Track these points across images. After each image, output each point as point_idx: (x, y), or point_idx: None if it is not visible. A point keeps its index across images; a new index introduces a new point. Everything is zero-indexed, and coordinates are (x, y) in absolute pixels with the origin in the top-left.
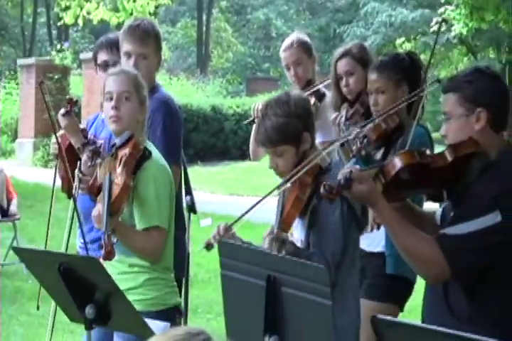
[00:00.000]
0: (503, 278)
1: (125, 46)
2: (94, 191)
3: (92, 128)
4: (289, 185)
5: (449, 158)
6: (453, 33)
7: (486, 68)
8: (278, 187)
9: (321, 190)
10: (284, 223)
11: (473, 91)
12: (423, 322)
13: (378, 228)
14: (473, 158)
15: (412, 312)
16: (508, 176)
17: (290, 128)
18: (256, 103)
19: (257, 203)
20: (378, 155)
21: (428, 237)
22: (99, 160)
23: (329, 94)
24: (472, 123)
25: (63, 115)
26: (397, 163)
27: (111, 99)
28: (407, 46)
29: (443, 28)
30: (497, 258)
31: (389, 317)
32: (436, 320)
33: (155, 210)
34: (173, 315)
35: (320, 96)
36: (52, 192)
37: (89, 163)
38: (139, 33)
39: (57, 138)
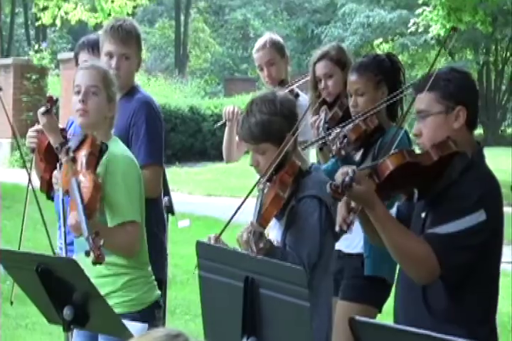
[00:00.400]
0: (483, 277)
1: (107, 46)
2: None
3: (71, 128)
4: (268, 183)
5: (434, 158)
6: (430, 34)
7: (459, 67)
8: (256, 185)
9: (327, 188)
10: (262, 218)
11: (453, 89)
12: (396, 322)
13: (347, 229)
14: (454, 157)
15: (390, 313)
16: (488, 176)
17: (274, 127)
18: (227, 106)
19: (239, 206)
20: (357, 156)
21: (419, 238)
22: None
23: (302, 94)
24: (451, 121)
25: (43, 113)
26: (390, 163)
27: (79, 92)
28: (385, 47)
29: (420, 29)
30: (479, 257)
31: (366, 319)
32: (414, 321)
33: (127, 204)
34: (153, 310)
35: (294, 96)
36: (27, 191)
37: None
38: (121, 33)
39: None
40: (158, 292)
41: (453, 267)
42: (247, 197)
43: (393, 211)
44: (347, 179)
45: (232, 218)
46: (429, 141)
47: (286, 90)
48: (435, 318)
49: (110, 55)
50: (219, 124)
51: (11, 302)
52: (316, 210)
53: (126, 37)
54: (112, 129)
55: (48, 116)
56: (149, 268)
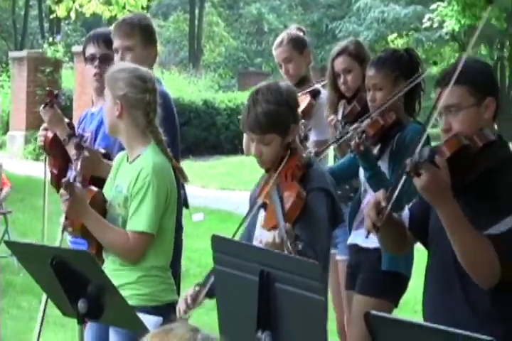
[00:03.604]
0: None
1: (114, 43)
2: (86, 184)
3: (82, 124)
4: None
5: (480, 144)
6: (445, 30)
7: (476, 58)
8: (268, 184)
9: (407, 162)
10: (287, 218)
11: (482, 80)
12: (433, 322)
13: (377, 232)
14: (492, 146)
15: (403, 307)
16: None
17: (281, 117)
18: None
19: (251, 207)
20: (375, 151)
21: (486, 240)
22: (86, 154)
23: (324, 91)
24: (482, 112)
25: (44, 107)
26: (449, 146)
27: None
28: (399, 42)
29: (435, 25)
30: None
31: (382, 314)
32: (458, 322)
33: (142, 215)
34: (168, 311)
35: (315, 93)
36: (44, 185)
37: (75, 157)
38: (123, 27)
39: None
40: (177, 297)
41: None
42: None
43: (405, 213)
44: (425, 153)
45: (239, 227)
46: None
47: (309, 89)
48: (479, 318)
49: (116, 51)
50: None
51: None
52: (323, 203)
53: (127, 29)
54: (146, 130)
55: (49, 109)
56: (169, 273)
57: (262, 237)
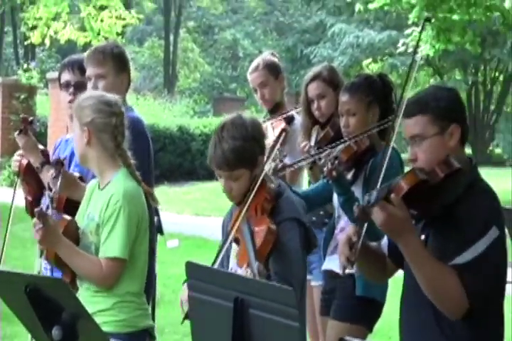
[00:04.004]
0: (495, 298)
1: (87, 71)
2: (61, 206)
3: (57, 150)
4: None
5: (441, 175)
6: (419, 55)
7: (442, 85)
8: (238, 219)
9: (354, 210)
10: (259, 255)
11: (444, 108)
12: None
13: (352, 266)
14: (457, 175)
15: (377, 333)
16: (490, 191)
17: (248, 152)
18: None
19: (224, 242)
20: (348, 176)
21: (450, 272)
22: (62, 171)
23: (298, 117)
24: (447, 140)
25: (18, 134)
26: (405, 183)
27: None
28: (374, 67)
29: (410, 50)
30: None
31: (356, 339)
32: None
33: (114, 240)
34: (144, 337)
35: (289, 119)
36: (10, 210)
37: (54, 176)
38: (96, 55)
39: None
40: (152, 322)
41: (480, 296)
42: (226, 239)
43: (384, 242)
44: (373, 197)
45: (217, 257)
46: (428, 164)
47: (284, 115)
48: None
49: (89, 79)
50: None
51: None
52: (296, 233)
53: (101, 57)
54: (115, 155)
55: (23, 136)
56: (143, 298)
57: (235, 269)
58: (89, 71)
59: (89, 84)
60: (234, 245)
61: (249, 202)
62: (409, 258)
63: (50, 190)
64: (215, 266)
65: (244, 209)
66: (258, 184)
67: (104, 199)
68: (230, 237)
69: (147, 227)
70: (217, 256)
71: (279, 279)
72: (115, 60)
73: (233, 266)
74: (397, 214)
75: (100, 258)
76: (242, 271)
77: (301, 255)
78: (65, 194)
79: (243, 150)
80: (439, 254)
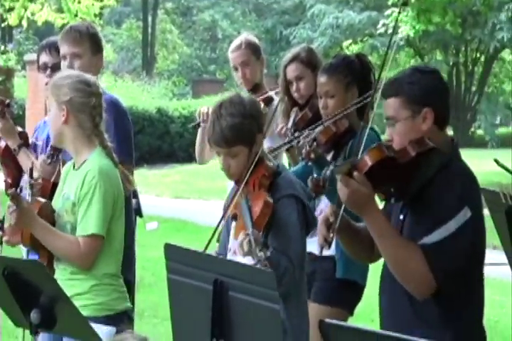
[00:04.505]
0: (471, 279)
1: (61, 50)
2: (48, 192)
3: (36, 133)
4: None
5: (412, 153)
6: (400, 35)
7: (424, 67)
8: (237, 194)
9: (308, 182)
10: (256, 227)
11: (417, 92)
12: (384, 329)
13: (329, 247)
14: (431, 154)
15: (359, 316)
16: (466, 171)
17: (246, 128)
18: (201, 107)
19: (222, 218)
20: (328, 157)
21: (415, 249)
22: (60, 156)
23: (277, 99)
24: (419, 124)
25: None
26: (369, 158)
27: None
28: (354, 48)
29: (389, 31)
30: (470, 257)
31: (336, 321)
32: (405, 329)
33: (91, 217)
34: (122, 320)
35: (268, 101)
36: None
37: (49, 161)
38: (71, 34)
39: None
40: (129, 304)
41: (448, 276)
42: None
43: None
44: (328, 172)
45: (215, 232)
46: (401, 146)
47: (263, 96)
48: (427, 325)
49: (64, 57)
50: (192, 125)
51: None
52: (294, 209)
53: (76, 36)
54: (91, 135)
55: (1, 119)
56: (120, 280)
57: (235, 248)
58: (65, 49)
59: (64, 63)
60: (232, 227)
61: (247, 176)
62: (374, 234)
63: (31, 175)
64: (216, 246)
65: (243, 184)
66: (256, 159)
67: (80, 177)
68: (229, 213)
69: (123, 208)
70: (212, 236)
71: (278, 254)
72: (92, 40)
73: (232, 244)
74: (359, 190)
75: (78, 236)
76: (239, 239)
77: (300, 230)
78: (55, 180)
79: (241, 127)
80: (411, 234)
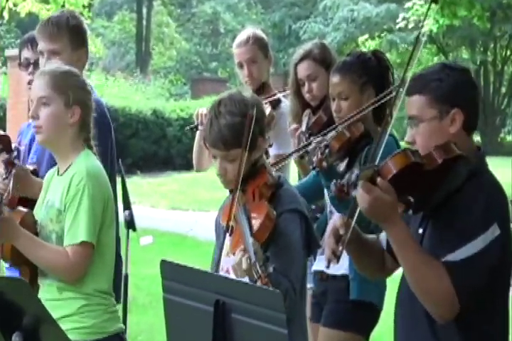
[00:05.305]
0: (497, 301)
1: (39, 45)
2: (15, 206)
3: (19, 137)
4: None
5: (439, 160)
6: (422, 31)
7: (453, 63)
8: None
9: (332, 188)
10: (255, 239)
11: (446, 90)
12: None
13: (338, 261)
14: (458, 162)
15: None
16: (494, 184)
17: (247, 130)
18: (200, 108)
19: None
20: (341, 166)
21: (438, 266)
22: (13, 171)
23: (285, 101)
24: (446, 126)
25: None
26: (394, 164)
27: None
28: (371, 44)
29: (411, 25)
30: (496, 278)
31: None
32: None
33: (82, 224)
34: None
35: (275, 103)
36: None
37: (4, 176)
38: (48, 28)
39: None
40: (122, 325)
41: (472, 296)
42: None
43: (383, 234)
44: (353, 176)
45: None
46: (425, 149)
47: (270, 99)
48: None
49: (42, 54)
50: (189, 128)
51: None
52: (297, 226)
53: (53, 30)
54: (85, 137)
55: None
56: (112, 299)
57: (228, 266)
58: (41, 46)
59: (42, 60)
60: (226, 242)
61: (240, 180)
62: (394, 246)
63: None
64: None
65: (238, 190)
66: (257, 165)
67: (65, 182)
68: (223, 226)
69: (113, 215)
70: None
71: (278, 274)
72: (72, 34)
73: (224, 261)
74: (383, 198)
75: (66, 246)
76: (235, 258)
77: (302, 250)
78: (17, 194)
79: (241, 127)
80: (435, 249)
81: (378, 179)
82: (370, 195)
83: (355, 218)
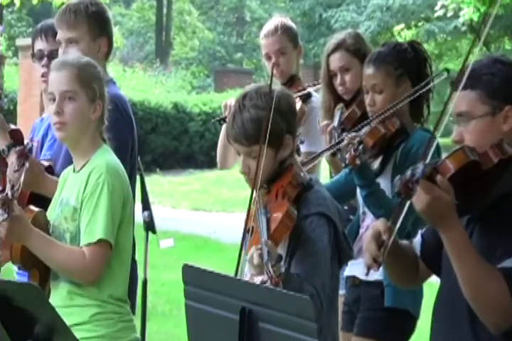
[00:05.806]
0: None
1: (57, 34)
2: (24, 202)
3: (32, 132)
4: (258, 192)
5: (495, 160)
6: (461, 19)
7: (505, 57)
8: (254, 201)
9: (396, 182)
10: (272, 239)
11: (499, 85)
12: None
13: (378, 268)
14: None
15: None
16: None
17: (271, 125)
18: (228, 99)
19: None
20: (375, 164)
21: (496, 273)
22: (27, 164)
23: (316, 95)
24: (499, 123)
25: None
26: (452, 162)
27: (54, 100)
28: (407, 34)
29: (450, 14)
30: None
31: None
32: None
33: (100, 221)
34: None
35: (306, 97)
36: None
37: (15, 167)
38: (66, 16)
39: None
40: (137, 335)
41: None
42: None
43: (417, 240)
44: (419, 171)
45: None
46: (475, 147)
47: (300, 93)
48: None
49: (60, 43)
50: (216, 120)
51: None
52: (325, 232)
53: (70, 18)
54: (100, 132)
55: None
56: (127, 307)
57: (246, 272)
58: (60, 34)
59: (60, 49)
60: (247, 243)
61: (259, 178)
62: (450, 250)
63: (11, 185)
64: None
65: (257, 189)
66: (285, 164)
67: (83, 178)
68: (245, 227)
69: (132, 214)
70: (239, 255)
71: (300, 278)
72: (91, 21)
73: (246, 268)
74: (443, 198)
75: (82, 245)
76: (249, 252)
77: (330, 259)
78: (28, 190)
79: (267, 121)
80: (485, 255)
81: (438, 177)
82: (430, 194)
83: (398, 223)
